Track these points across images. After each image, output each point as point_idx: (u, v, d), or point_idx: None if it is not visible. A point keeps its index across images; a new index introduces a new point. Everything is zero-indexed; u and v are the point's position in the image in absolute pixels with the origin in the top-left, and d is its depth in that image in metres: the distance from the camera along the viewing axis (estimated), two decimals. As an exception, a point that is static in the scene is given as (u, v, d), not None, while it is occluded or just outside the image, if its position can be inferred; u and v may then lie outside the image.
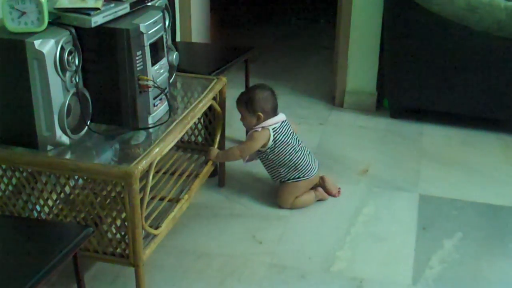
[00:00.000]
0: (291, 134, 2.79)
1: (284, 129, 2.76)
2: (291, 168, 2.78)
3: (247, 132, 2.91)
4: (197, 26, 4.06)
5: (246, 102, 2.74)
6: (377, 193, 2.97)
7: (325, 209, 2.84)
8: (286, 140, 2.75)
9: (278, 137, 2.73)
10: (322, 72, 4.50)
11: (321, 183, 2.93)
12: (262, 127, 2.73)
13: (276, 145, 2.74)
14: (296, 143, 2.78)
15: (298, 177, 2.79)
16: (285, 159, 2.76)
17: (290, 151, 2.76)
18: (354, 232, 2.67)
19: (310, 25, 5.87)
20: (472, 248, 2.58)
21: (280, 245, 2.59)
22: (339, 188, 2.96)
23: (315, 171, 2.84)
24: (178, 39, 3.74)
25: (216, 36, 5.23)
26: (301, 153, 2.79)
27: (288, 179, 2.81)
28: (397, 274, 2.42)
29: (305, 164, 2.79)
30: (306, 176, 2.80)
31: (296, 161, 2.77)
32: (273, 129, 2.73)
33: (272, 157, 2.77)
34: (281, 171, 2.80)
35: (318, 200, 2.88)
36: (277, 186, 2.86)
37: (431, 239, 2.63)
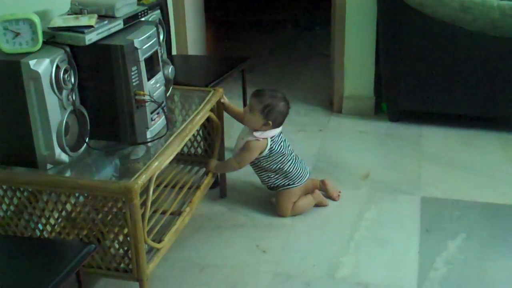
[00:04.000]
0: (285, 143, 2.79)
1: (280, 139, 2.76)
2: (281, 175, 2.78)
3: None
4: (193, 39, 4.08)
5: (266, 106, 2.67)
6: (379, 197, 2.97)
7: (328, 215, 2.85)
8: (281, 151, 2.75)
9: (274, 147, 2.73)
10: (320, 78, 4.51)
11: (322, 187, 2.94)
12: (262, 138, 2.72)
13: (271, 155, 2.74)
14: (288, 152, 2.78)
15: (289, 185, 2.79)
16: (277, 167, 2.77)
17: (283, 160, 2.76)
18: (358, 237, 2.67)
19: (305, 32, 5.88)
20: (476, 248, 2.58)
21: (283, 254, 2.59)
22: (339, 192, 2.96)
23: (305, 178, 2.84)
24: (174, 52, 3.75)
25: (213, 48, 5.25)
26: (292, 162, 2.79)
27: (278, 186, 2.81)
28: (402, 278, 2.42)
29: (295, 172, 2.79)
30: (297, 183, 2.80)
31: (287, 169, 2.77)
32: (271, 138, 2.73)
33: (265, 164, 2.77)
34: (271, 176, 2.80)
35: (317, 206, 2.88)
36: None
37: (435, 241, 2.63)
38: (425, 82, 3.55)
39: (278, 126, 2.74)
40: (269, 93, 2.73)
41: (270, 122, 2.68)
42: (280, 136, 2.77)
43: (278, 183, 2.81)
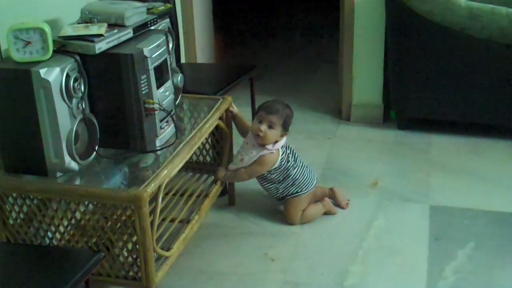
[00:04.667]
0: (291, 151, 2.79)
1: (286, 148, 2.76)
2: (289, 183, 2.78)
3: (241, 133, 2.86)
4: (201, 47, 4.09)
5: (286, 117, 2.68)
6: (387, 205, 2.96)
7: (336, 224, 2.84)
8: (288, 159, 2.75)
9: (284, 157, 2.73)
10: (328, 86, 4.51)
11: (330, 194, 2.93)
12: (276, 149, 2.70)
13: (281, 166, 2.74)
14: (293, 159, 2.78)
15: (297, 192, 2.79)
16: (285, 175, 2.76)
17: (290, 168, 2.76)
18: (366, 246, 2.66)
19: (314, 40, 5.89)
20: (485, 257, 2.56)
21: (292, 262, 2.58)
22: (348, 200, 2.95)
23: (313, 185, 2.83)
24: (183, 60, 3.76)
25: (221, 56, 5.26)
26: (298, 169, 2.78)
27: (287, 195, 2.80)
28: (410, 287, 2.41)
29: (302, 179, 2.79)
30: (305, 190, 2.79)
31: (294, 176, 2.77)
32: (281, 148, 2.73)
33: (274, 176, 2.76)
34: (279, 187, 2.79)
35: (326, 214, 2.88)
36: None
37: (444, 250, 2.62)
38: (433, 90, 3.54)
39: None
40: (279, 105, 2.71)
41: (287, 132, 2.71)
42: (287, 145, 2.78)
43: (287, 192, 2.80)
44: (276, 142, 2.69)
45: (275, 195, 2.84)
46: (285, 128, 2.70)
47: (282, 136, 2.70)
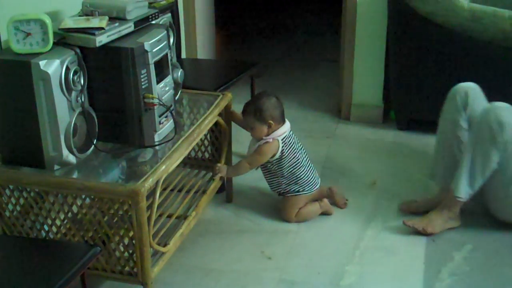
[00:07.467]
0: (298, 146, 2.79)
1: (291, 140, 2.76)
2: (292, 180, 2.78)
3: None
4: (202, 43, 4.08)
5: (255, 112, 2.69)
6: (385, 205, 2.95)
7: (334, 223, 2.83)
8: (293, 153, 2.75)
9: (286, 149, 2.73)
10: (328, 85, 4.51)
11: (329, 194, 2.92)
12: (273, 138, 2.71)
13: (283, 157, 2.73)
14: (302, 157, 2.78)
15: (298, 191, 2.79)
16: (289, 171, 2.76)
17: (295, 164, 2.76)
18: (363, 246, 2.66)
19: (315, 38, 5.88)
20: (482, 259, 2.56)
21: (289, 260, 2.58)
22: (346, 200, 2.95)
23: (315, 187, 2.84)
24: (183, 55, 3.75)
25: (222, 52, 5.25)
26: (305, 168, 2.79)
27: (288, 192, 2.80)
28: (407, 287, 2.42)
29: (307, 179, 2.79)
30: (307, 191, 2.80)
31: (299, 175, 2.77)
32: (282, 139, 2.73)
33: (276, 168, 2.77)
34: (282, 182, 2.79)
35: (323, 214, 2.87)
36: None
37: (441, 251, 2.61)
38: (434, 91, 3.53)
39: (282, 121, 2.74)
40: (249, 103, 2.77)
41: (270, 122, 2.69)
42: (292, 137, 2.77)
43: (288, 189, 2.80)
44: (270, 133, 2.70)
45: (276, 189, 2.84)
46: (263, 120, 2.69)
47: (269, 127, 2.70)
